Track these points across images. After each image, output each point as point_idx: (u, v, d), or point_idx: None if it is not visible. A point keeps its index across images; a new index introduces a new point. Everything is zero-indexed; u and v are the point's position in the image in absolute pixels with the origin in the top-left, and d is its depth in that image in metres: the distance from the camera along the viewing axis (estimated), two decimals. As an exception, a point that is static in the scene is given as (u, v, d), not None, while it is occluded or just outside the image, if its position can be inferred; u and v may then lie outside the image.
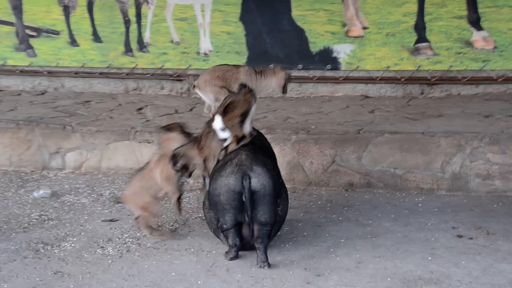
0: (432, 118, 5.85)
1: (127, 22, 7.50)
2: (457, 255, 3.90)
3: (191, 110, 6.60)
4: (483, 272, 3.67)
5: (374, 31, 6.88)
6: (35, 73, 7.80)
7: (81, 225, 4.55)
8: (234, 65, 4.57)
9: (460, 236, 4.21)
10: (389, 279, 3.63)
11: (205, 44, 7.33)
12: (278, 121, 5.89)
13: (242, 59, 7.21)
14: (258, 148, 4.06)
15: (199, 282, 3.67)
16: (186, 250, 4.11)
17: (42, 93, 7.60)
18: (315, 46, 7.03)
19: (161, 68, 7.46)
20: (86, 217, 4.72)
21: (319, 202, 5.01)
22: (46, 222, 4.64)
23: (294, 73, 6.94)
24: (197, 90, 4.51)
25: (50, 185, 5.49)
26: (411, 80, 6.85)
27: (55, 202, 5.08)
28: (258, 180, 3.76)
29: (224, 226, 3.86)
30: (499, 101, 6.37)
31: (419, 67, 6.79)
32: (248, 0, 7.15)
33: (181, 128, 4.28)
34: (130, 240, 4.27)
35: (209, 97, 4.43)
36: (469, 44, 6.68)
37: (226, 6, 7.23)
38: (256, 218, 3.76)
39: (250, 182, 3.73)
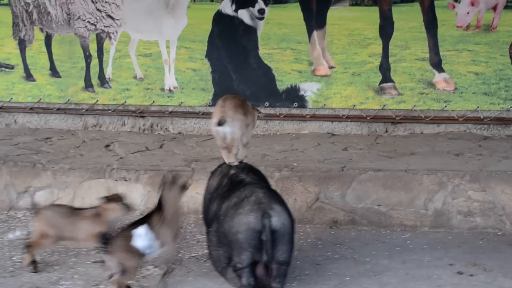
0: (405, 156, 5.97)
1: (87, 57, 7.33)
2: (466, 293, 3.96)
3: (161, 147, 6.47)
4: (497, 309, 3.73)
5: (341, 70, 7.01)
6: (-15, 108, 7.46)
7: (72, 268, 4.33)
8: (241, 97, 4.49)
9: (460, 273, 4.28)
10: (410, 317, 3.63)
11: (170, 81, 7.25)
12: (256, 158, 5.85)
13: (208, 96, 7.18)
14: (268, 186, 4.01)
15: (219, 325, 3.55)
16: (192, 292, 3.97)
17: (-6, 129, 7.26)
18: (282, 84, 7.09)
19: (123, 104, 7.29)
20: (73, 259, 4.50)
21: (309, 240, 4.99)
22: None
23: (261, 110, 6.95)
24: (227, 121, 4.22)
25: (21, 226, 5.20)
26: (376, 118, 6.99)
27: (34, 244, 4.79)
28: (279, 218, 3.70)
29: (239, 265, 3.76)
30: (463, 140, 6.59)
31: (384, 106, 6.95)
32: (215, 37, 7.14)
33: (121, 200, 4.32)
34: (129, 282, 4.08)
35: (236, 125, 4.24)
36: (431, 85, 6.92)
37: (192, 43, 7.19)
38: (275, 257, 3.69)
39: (270, 221, 3.66)
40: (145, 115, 7.29)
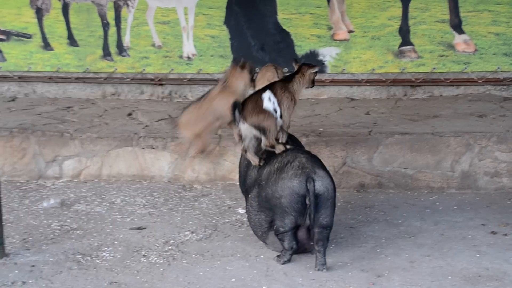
0: (429, 118, 5.99)
1: (105, 26, 7.29)
2: (502, 252, 4.02)
3: (183, 114, 6.47)
4: (535, 266, 3.80)
5: (360, 34, 6.99)
6: (4, 78, 7.44)
7: (110, 235, 4.39)
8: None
9: (494, 233, 4.35)
10: (450, 277, 3.70)
11: (188, 48, 7.23)
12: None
13: (226, 63, 7.14)
14: (308, 151, 4.05)
15: (264, 287, 3.61)
16: (233, 256, 4.05)
17: (13, 99, 7.27)
18: (301, 49, 7.07)
19: (142, 73, 7.28)
20: (110, 226, 4.56)
21: (339, 204, 5.00)
22: (71, 232, 4.45)
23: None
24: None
25: (52, 195, 5.26)
26: (395, 82, 6.99)
27: (69, 212, 4.88)
28: (322, 183, 3.75)
29: (281, 229, 3.82)
30: (483, 102, 6.60)
31: (403, 69, 6.94)
32: (233, 3, 7.10)
33: (251, 72, 4.37)
34: (170, 247, 4.16)
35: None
36: (451, 47, 6.90)
37: (210, 9, 7.15)
38: (318, 221, 3.74)
39: (314, 185, 3.71)
40: (164, 83, 7.28)
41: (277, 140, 4.05)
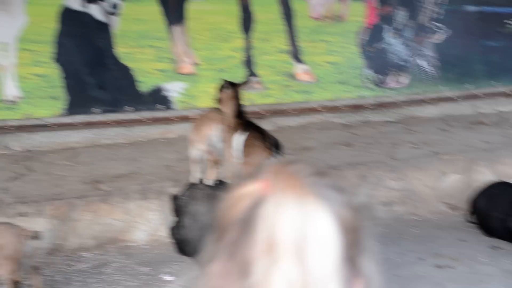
0: (301, 151, 5.87)
1: None
2: (469, 286, 4.02)
3: (30, 170, 5.49)
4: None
5: (205, 67, 6.65)
6: None
7: None
8: None
9: (440, 267, 4.33)
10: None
11: (11, 90, 6.16)
12: (162, 172, 5.28)
13: (60, 105, 6.25)
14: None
15: None
16: None
17: None
18: (145, 85, 6.48)
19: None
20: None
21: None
22: None
23: (122, 116, 6.34)
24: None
25: None
26: (243, 115, 6.76)
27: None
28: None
29: None
30: (332, 130, 6.70)
31: (251, 101, 6.74)
32: (63, 37, 6.23)
33: None
34: None
35: None
36: (293, 77, 6.92)
37: (36, 44, 6.19)
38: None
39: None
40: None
41: None
